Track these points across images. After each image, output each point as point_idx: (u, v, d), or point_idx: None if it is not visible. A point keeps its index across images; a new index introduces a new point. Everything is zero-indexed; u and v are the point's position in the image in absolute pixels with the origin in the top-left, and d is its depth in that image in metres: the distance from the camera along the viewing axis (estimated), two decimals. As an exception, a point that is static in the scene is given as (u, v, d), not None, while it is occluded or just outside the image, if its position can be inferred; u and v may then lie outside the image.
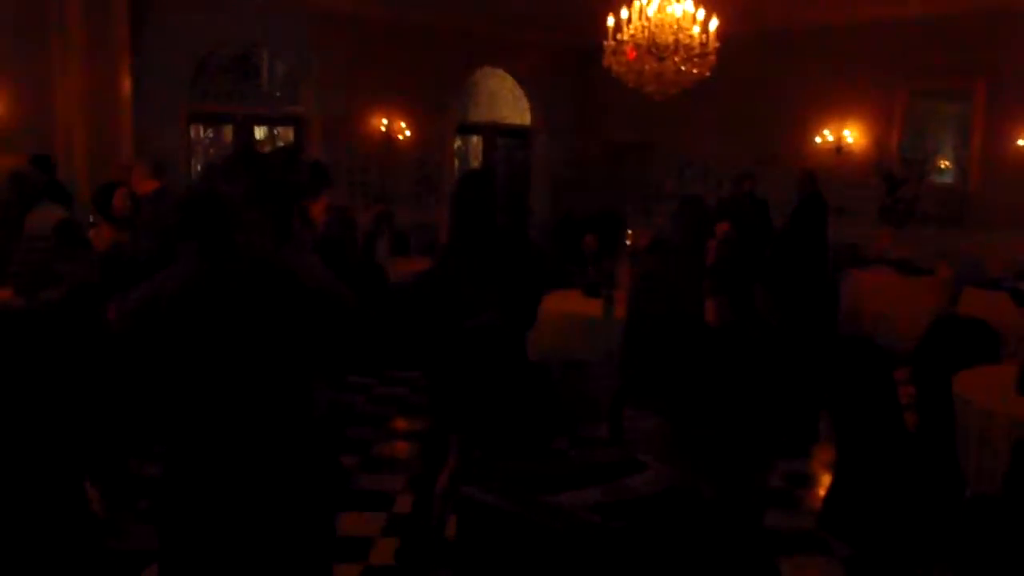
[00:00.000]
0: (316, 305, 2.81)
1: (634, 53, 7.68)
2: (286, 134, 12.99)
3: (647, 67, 7.69)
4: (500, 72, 14.59)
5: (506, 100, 15.17)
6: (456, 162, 14.64)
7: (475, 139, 15.42)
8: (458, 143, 14.88)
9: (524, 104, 14.84)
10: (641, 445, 3.82)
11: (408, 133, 12.87)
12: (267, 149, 11.85)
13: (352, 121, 12.46)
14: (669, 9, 7.49)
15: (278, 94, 13.13)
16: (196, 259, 2.76)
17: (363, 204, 11.54)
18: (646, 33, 7.50)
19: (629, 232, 7.67)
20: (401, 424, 7.20)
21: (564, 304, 6.95)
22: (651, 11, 7.49)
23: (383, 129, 12.66)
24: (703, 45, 7.54)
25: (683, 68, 7.58)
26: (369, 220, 9.49)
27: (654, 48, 7.54)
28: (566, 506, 2.57)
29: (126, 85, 10.10)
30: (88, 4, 9.71)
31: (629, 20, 7.54)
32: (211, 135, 13.62)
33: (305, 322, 2.79)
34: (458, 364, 4.26)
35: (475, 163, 15.38)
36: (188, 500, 2.77)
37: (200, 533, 2.75)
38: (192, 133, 12.43)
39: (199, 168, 12.11)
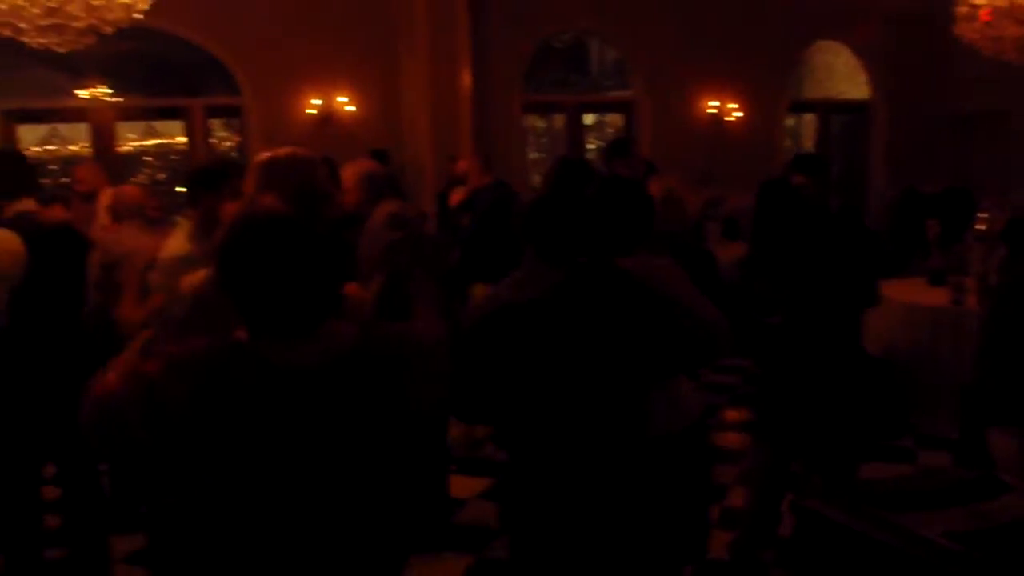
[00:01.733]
0: (666, 314, 2.72)
1: (990, 18, 7.04)
2: (614, 120, 13.16)
3: (1007, 33, 7.02)
4: (835, 45, 13.88)
5: (841, 74, 14.42)
6: (788, 142, 14.14)
7: (808, 117, 14.79)
8: (791, 121, 14.35)
9: (861, 77, 14.04)
10: (1003, 464, 3.50)
11: (739, 114, 12.60)
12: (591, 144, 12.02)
13: (681, 104, 12.37)
14: (1033, -32, 6.79)
15: (607, 81, 13.32)
16: (546, 265, 2.73)
17: (692, 188, 11.43)
18: (1006, -5, 6.85)
19: (981, 214, 7.05)
20: (732, 415, 7.08)
21: (906, 293, 6.53)
22: (1012, -29, 6.83)
23: (712, 111, 12.47)
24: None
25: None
26: (698, 205, 9.40)
27: (1017, 11, 6.86)
28: (921, 530, 2.40)
29: (466, 80, 10.64)
30: (431, 9, 10.35)
31: (985, -17, 6.93)
32: (543, 124, 14.04)
33: (655, 331, 2.71)
34: (783, 361, 4.14)
35: (808, 143, 14.77)
36: (535, 511, 2.77)
37: (548, 543, 2.75)
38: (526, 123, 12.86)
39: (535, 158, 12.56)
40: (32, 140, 11.19)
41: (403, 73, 10.78)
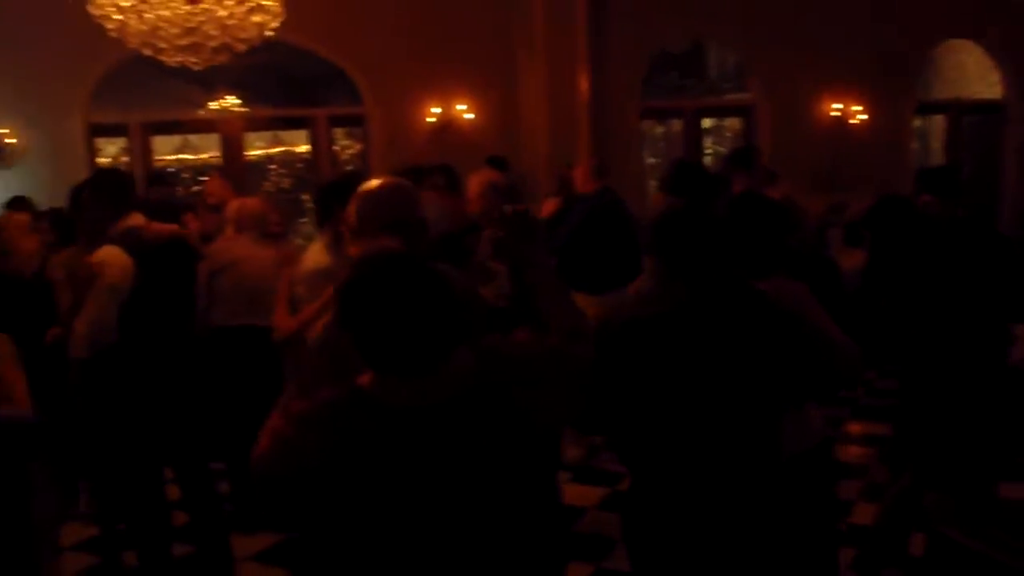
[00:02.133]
0: (799, 340, 2.66)
1: None
2: (733, 124, 12.98)
3: None
4: (966, 44, 13.37)
5: (973, 74, 13.88)
6: (916, 144, 13.68)
7: (937, 118, 14.28)
8: (918, 123, 13.88)
9: (994, 76, 13.48)
10: None
11: (863, 116, 12.25)
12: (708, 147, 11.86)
13: (802, 106, 12.09)
14: None
15: (726, 85, 13.14)
16: (674, 280, 2.70)
17: (814, 194, 11.19)
18: None
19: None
20: (855, 428, 6.91)
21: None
22: None
23: (835, 113, 12.16)
24: None
25: None
26: (821, 210, 9.21)
27: None
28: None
29: (583, 86, 10.64)
30: (550, 15, 10.39)
31: None
32: (661, 130, 13.93)
33: (786, 356, 2.65)
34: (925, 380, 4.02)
35: (936, 145, 14.26)
36: (660, 527, 2.75)
37: (673, 560, 2.73)
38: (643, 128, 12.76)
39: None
40: (166, 150, 11.65)
41: (521, 80, 10.85)
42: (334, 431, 1.95)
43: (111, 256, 4.06)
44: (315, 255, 3.91)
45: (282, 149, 12.81)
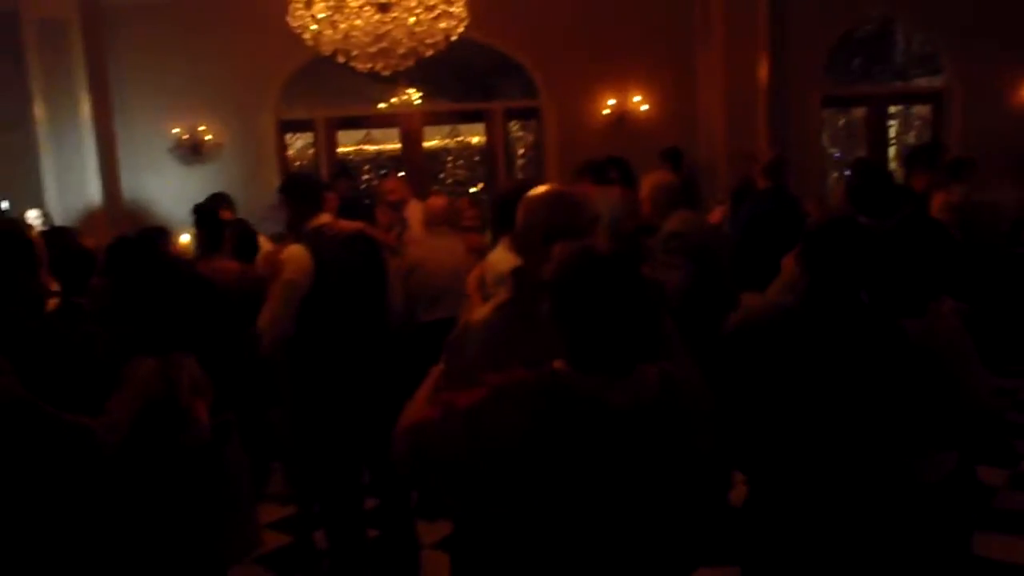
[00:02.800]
0: (931, 388, 2.58)
1: None
2: (921, 112, 12.39)
3: None
4: None
5: None
6: None
7: None
8: None
9: None
10: None
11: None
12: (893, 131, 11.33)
13: (999, 91, 11.39)
14: None
15: (914, 71, 12.54)
16: (821, 299, 2.67)
17: (1011, 186, 10.55)
18: None
19: None
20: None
21: None
22: None
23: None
24: None
25: None
26: (1018, 203, 8.69)
27: None
28: None
29: (763, 74, 10.40)
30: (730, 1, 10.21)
31: None
32: (842, 120, 13.42)
33: (905, 391, 2.58)
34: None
35: None
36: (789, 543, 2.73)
37: None
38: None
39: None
40: (348, 141, 12.07)
41: (698, 69, 10.71)
42: (530, 411, 2.02)
43: (292, 254, 4.27)
44: (502, 255, 3.97)
45: (458, 140, 13.05)
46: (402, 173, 10.79)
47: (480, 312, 2.82)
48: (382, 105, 11.91)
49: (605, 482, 2.02)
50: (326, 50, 5.87)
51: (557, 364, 2.10)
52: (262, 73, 10.52)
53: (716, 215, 7.11)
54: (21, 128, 10.05)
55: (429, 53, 5.93)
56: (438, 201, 5.96)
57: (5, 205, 8.61)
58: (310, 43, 5.92)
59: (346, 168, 10.16)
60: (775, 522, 2.73)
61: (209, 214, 5.51)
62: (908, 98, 12.59)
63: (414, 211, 6.98)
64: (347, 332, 4.33)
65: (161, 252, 4.76)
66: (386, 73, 6.04)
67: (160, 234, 5.97)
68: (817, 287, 2.72)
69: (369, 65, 5.85)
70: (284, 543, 5.23)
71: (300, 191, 4.54)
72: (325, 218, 4.45)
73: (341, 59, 5.88)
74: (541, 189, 2.94)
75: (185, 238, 7.92)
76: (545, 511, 2.04)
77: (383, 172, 10.30)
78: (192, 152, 10.58)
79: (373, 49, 5.62)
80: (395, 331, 4.71)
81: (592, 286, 2.04)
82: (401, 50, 5.70)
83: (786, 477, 2.70)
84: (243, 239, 5.60)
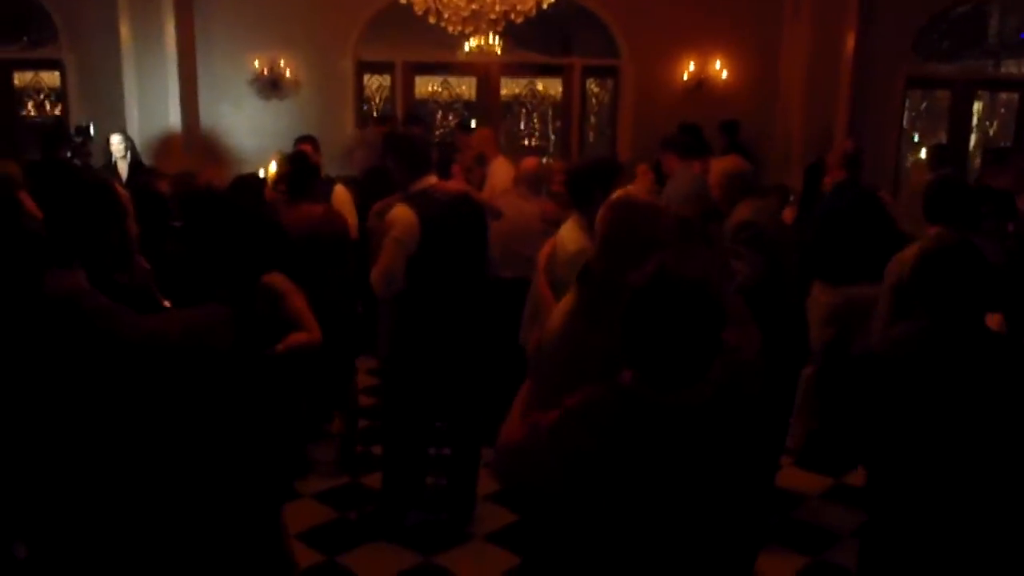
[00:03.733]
0: None
1: None
2: (1008, 99, 12.07)
3: None
4: None
5: None
6: None
7: None
8: None
9: None
10: None
11: None
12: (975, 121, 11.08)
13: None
14: None
15: (1005, 56, 12.17)
16: (933, 321, 2.69)
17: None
18: None
19: None
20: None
21: None
22: None
23: None
24: None
25: None
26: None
27: None
28: None
29: (849, 48, 10.22)
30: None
31: None
32: (924, 103, 13.09)
33: None
34: None
35: None
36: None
37: None
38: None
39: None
40: (422, 84, 12.04)
41: (783, 41, 10.55)
42: (604, 427, 2.15)
43: (399, 215, 4.44)
44: (572, 235, 4.05)
45: (533, 89, 12.96)
46: (474, 123, 10.79)
47: (552, 322, 2.91)
48: (464, 48, 11.78)
49: (678, 483, 2.13)
50: (419, 10, 5.91)
51: (625, 378, 2.21)
52: (344, 13, 10.57)
53: (788, 214, 7.05)
54: (108, 52, 10.23)
55: (520, 20, 5.94)
56: (531, 163, 6.02)
57: (91, 129, 8.76)
58: (403, 1, 5.96)
59: (416, 114, 10.19)
60: (899, 550, 2.79)
61: (303, 159, 5.59)
62: (996, 84, 12.27)
63: (498, 168, 7.02)
64: (450, 289, 4.54)
65: (234, 203, 4.84)
66: (475, 35, 6.06)
67: (253, 183, 6.00)
68: (942, 316, 2.73)
69: (459, 28, 5.87)
70: (340, 483, 5.38)
71: (409, 152, 4.64)
72: (431, 180, 4.60)
73: (432, 20, 5.91)
74: (625, 197, 2.99)
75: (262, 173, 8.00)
76: (627, 519, 2.16)
77: (465, 121, 10.20)
78: (271, 87, 10.70)
79: (466, 12, 5.65)
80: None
81: (668, 312, 2.13)
82: (493, 15, 5.72)
83: (915, 506, 2.75)
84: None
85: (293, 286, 3.65)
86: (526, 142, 12.11)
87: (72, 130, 8.85)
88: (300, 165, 5.39)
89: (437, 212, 4.45)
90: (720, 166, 5.15)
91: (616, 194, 3.07)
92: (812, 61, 10.24)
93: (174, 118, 10.26)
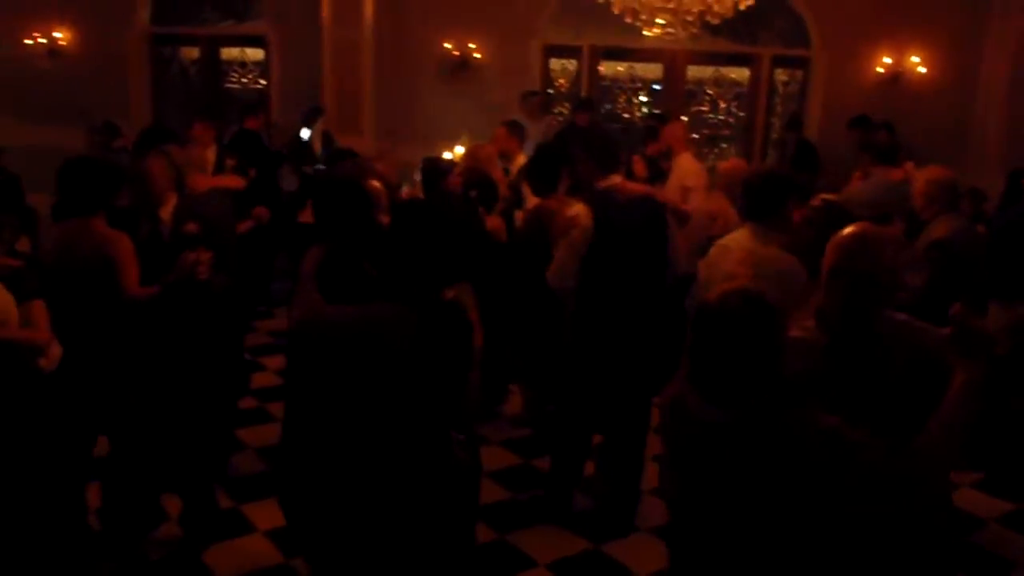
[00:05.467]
0: None
1: None
2: None
3: None
4: None
5: None
6: None
7: None
8: None
9: None
10: None
11: None
12: None
13: None
14: None
15: None
16: None
17: None
18: None
19: None
20: None
21: None
22: None
23: None
24: None
25: None
26: None
27: None
28: None
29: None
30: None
31: None
32: None
33: None
34: None
35: None
36: None
37: None
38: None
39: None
40: (607, 68, 12.03)
41: (988, 38, 10.04)
42: (668, 425, 2.48)
43: (578, 212, 4.52)
44: (751, 246, 4.01)
45: (719, 75, 12.78)
46: (658, 111, 10.76)
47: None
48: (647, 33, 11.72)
49: (735, 489, 2.30)
50: (617, 9, 5.98)
51: (686, 390, 2.39)
52: (533, -4, 10.74)
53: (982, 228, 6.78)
54: (309, 29, 10.72)
55: (716, 22, 5.93)
56: (739, 165, 5.88)
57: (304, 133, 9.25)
58: (600, 0, 6.04)
59: (588, 100, 10.19)
60: None
61: (551, 153, 5.43)
62: None
63: (684, 163, 6.90)
64: (622, 291, 4.56)
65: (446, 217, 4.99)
66: (671, 31, 6.07)
67: (442, 167, 6.16)
68: None
69: (656, 30, 5.92)
70: (513, 463, 5.59)
71: (599, 148, 4.68)
72: (616, 179, 4.62)
73: (629, 19, 5.97)
74: (857, 232, 2.84)
75: (448, 155, 8.21)
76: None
77: (659, 114, 10.04)
78: (459, 68, 10.96)
79: (663, 19, 5.65)
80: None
81: (717, 331, 2.29)
82: (689, 17, 5.73)
83: None
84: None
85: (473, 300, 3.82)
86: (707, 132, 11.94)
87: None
88: (546, 160, 5.31)
89: (614, 213, 4.49)
90: (927, 175, 5.03)
91: (849, 229, 2.89)
92: (1019, 61, 9.72)
93: (364, 96, 10.68)
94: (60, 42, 11.77)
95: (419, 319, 2.88)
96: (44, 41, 11.73)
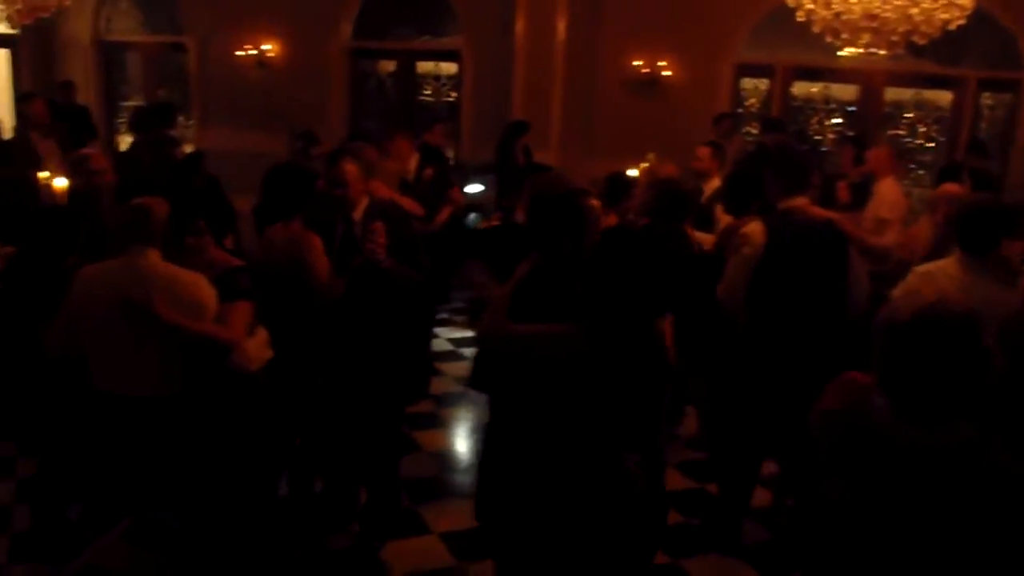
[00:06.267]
0: None
1: None
2: None
3: None
4: None
5: None
6: None
7: None
8: None
9: None
10: None
11: None
12: None
13: None
14: None
15: None
16: None
17: None
18: None
19: None
20: None
21: None
22: None
23: None
24: None
25: None
26: None
27: None
28: None
29: None
30: None
31: None
32: None
33: None
34: None
35: None
36: None
37: None
38: None
39: None
40: (800, 88, 11.71)
41: None
42: (841, 435, 2.36)
43: (752, 231, 4.41)
44: (947, 270, 3.81)
45: (920, 97, 12.21)
46: (851, 133, 10.37)
47: None
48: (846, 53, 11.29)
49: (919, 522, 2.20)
50: (817, 29, 5.83)
51: (872, 403, 2.28)
52: (727, 16, 10.58)
53: None
54: (503, 44, 10.96)
55: (922, 42, 5.69)
56: (959, 190, 5.54)
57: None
58: (800, 18, 5.91)
59: (778, 121, 9.94)
60: None
61: (749, 178, 5.37)
62: None
63: (886, 189, 6.61)
64: (793, 317, 4.38)
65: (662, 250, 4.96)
66: (876, 55, 5.87)
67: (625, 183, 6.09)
68: None
69: (858, 50, 5.74)
70: (687, 486, 5.50)
71: (788, 168, 4.55)
72: (801, 201, 4.46)
73: (829, 39, 5.82)
74: None
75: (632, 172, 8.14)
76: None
77: (856, 137, 9.63)
78: (648, 85, 10.94)
79: (864, 40, 5.47)
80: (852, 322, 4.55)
81: (932, 344, 2.18)
82: (895, 37, 5.52)
83: None
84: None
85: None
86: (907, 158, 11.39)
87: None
88: (741, 181, 5.28)
89: (788, 237, 4.34)
90: None
91: None
92: None
93: (553, 110, 10.81)
94: (268, 54, 12.47)
95: (600, 342, 2.93)
96: (254, 53, 12.45)
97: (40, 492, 4.62)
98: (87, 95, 13.09)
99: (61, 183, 5.82)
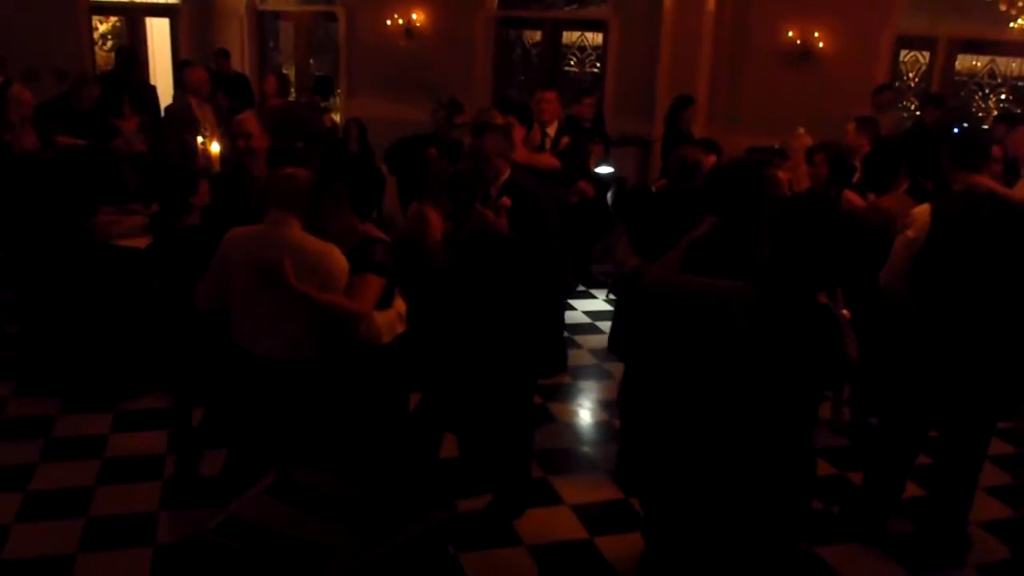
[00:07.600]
0: None
1: None
2: None
3: None
4: None
5: None
6: None
7: None
8: None
9: None
10: None
11: None
12: None
13: None
14: None
15: None
16: None
17: None
18: None
19: None
20: None
21: None
22: None
23: None
24: None
25: None
26: None
27: None
28: None
29: None
30: None
31: None
32: None
33: None
34: None
35: None
36: None
37: None
38: None
39: None
40: (963, 63, 11.09)
41: None
42: None
43: (919, 211, 4.19)
44: None
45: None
46: (1019, 110, 9.78)
47: None
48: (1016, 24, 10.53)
49: None
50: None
51: None
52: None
53: None
54: (651, 15, 10.78)
55: None
56: None
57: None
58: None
59: (939, 96, 9.41)
60: None
61: (893, 153, 5.22)
62: None
63: None
64: (969, 304, 4.10)
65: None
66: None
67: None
68: None
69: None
70: (827, 472, 5.25)
71: (963, 144, 4.34)
72: (984, 180, 4.23)
73: (1003, 7, 5.44)
74: None
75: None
76: None
77: (1006, 111, 9.12)
78: (800, 57, 10.57)
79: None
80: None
81: None
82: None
83: None
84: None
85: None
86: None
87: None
88: (884, 155, 5.13)
89: (963, 216, 4.06)
90: None
91: None
92: None
93: (701, 83, 10.60)
94: (416, 23, 12.59)
95: (771, 306, 2.90)
96: (402, 22, 12.60)
97: (183, 442, 4.83)
98: (241, 63, 13.52)
99: (216, 148, 6.03)
